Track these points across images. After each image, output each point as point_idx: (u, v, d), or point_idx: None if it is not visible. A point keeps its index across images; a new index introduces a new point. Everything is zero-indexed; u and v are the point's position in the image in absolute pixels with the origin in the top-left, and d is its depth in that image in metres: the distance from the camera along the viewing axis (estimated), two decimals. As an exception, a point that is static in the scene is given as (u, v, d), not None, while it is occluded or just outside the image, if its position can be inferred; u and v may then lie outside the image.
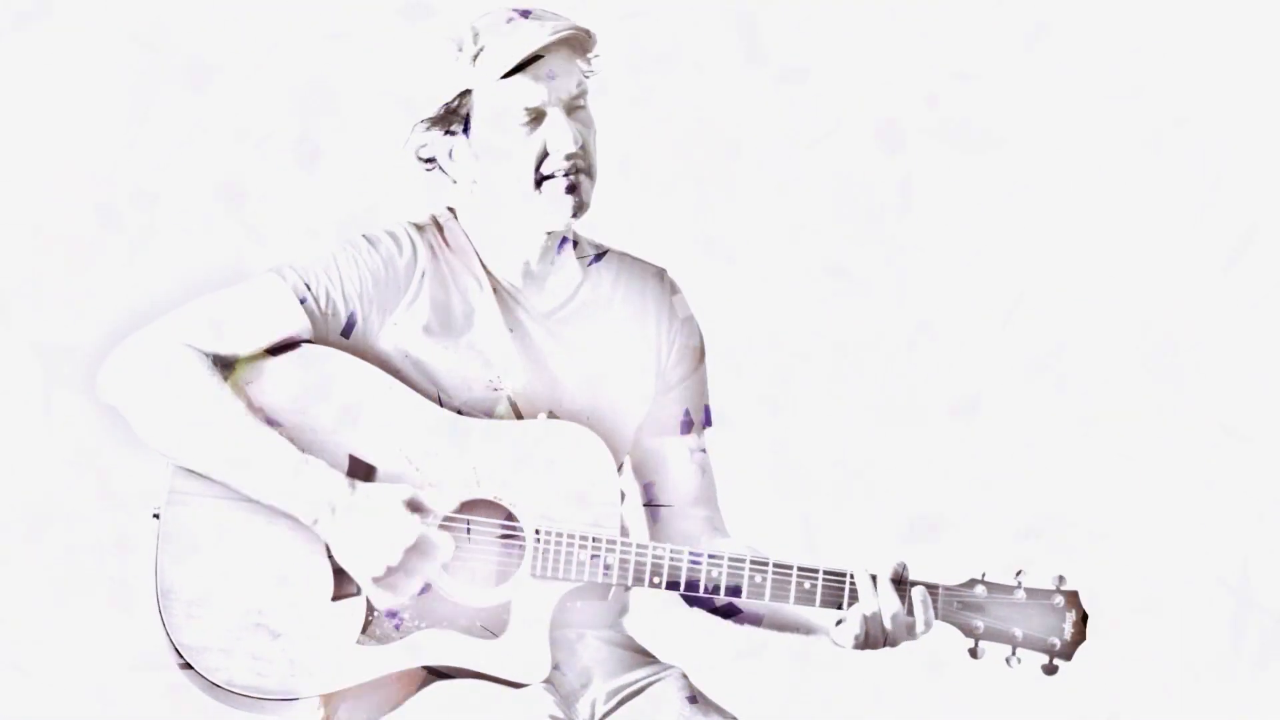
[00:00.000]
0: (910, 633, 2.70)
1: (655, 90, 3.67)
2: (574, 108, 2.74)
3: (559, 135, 2.72)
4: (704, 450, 2.91)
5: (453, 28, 2.77)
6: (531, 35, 2.71)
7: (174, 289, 2.78)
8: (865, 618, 2.68)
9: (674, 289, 2.92)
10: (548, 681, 2.72)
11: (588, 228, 2.88)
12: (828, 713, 3.78)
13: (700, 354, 2.93)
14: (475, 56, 2.72)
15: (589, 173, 2.75)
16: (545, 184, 2.74)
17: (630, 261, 2.91)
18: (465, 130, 2.76)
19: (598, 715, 2.78)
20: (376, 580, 2.63)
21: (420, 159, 2.81)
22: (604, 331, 2.85)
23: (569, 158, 2.72)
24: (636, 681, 2.82)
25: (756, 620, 2.85)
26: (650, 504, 2.91)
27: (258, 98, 3.79)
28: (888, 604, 2.69)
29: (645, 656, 2.87)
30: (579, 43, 2.74)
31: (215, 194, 3.76)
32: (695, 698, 2.80)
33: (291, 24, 3.81)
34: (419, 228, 2.81)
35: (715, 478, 2.93)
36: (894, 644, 2.71)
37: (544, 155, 2.73)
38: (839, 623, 2.73)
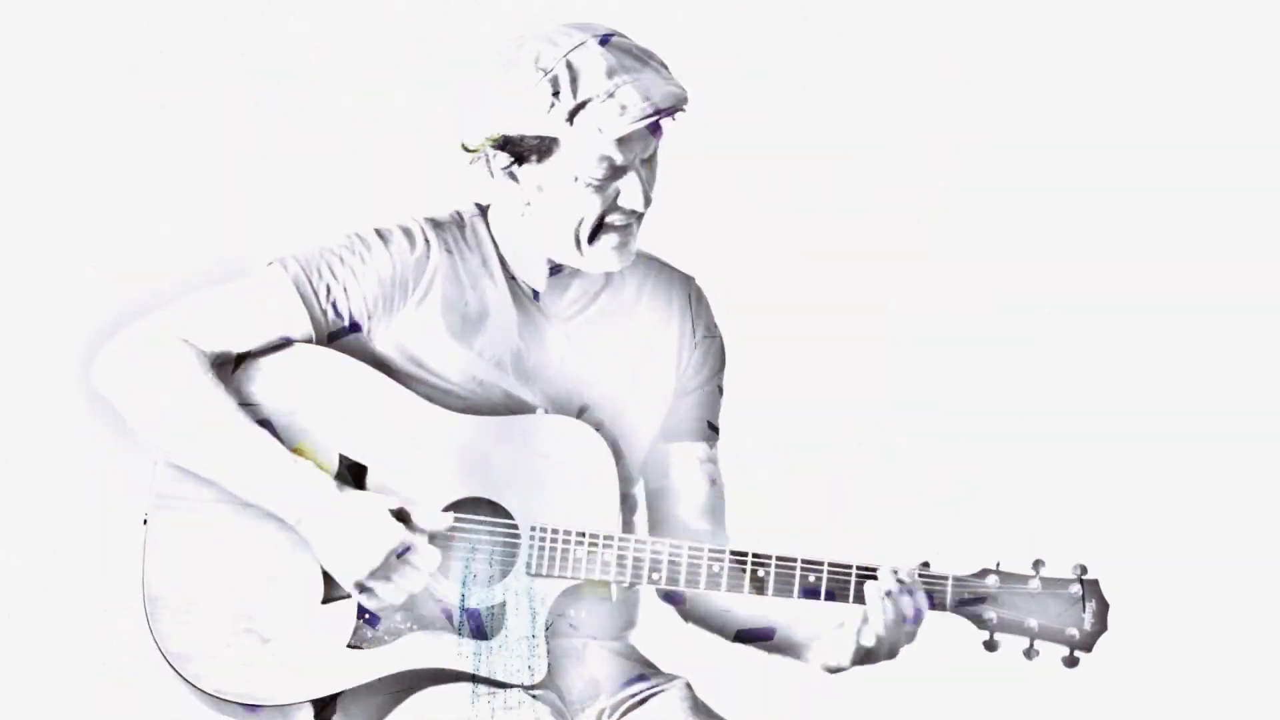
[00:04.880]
0: (917, 619, 2.62)
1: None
2: (648, 160, 2.68)
3: (633, 194, 2.66)
4: (714, 462, 2.84)
5: (535, 49, 2.64)
6: (635, 106, 2.60)
7: (175, 280, 2.76)
8: (883, 609, 2.61)
9: (700, 297, 2.86)
10: (550, 691, 2.68)
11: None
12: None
13: (720, 363, 2.86)
14: (572, 115, 2.61)
15: (641, 220, 2.71)
16: (601, 234, 2.67)
17: (659, 267, 2.84)
18: (538, 159, 2.67)
19: (602, 728, 2.76)
20: (359, 584, 2.60)
21: (466, 149, 2.70)
22: (624, 337, 2.79)
23: (634, 213, 2.67)
24: (641, 693, 2.76)
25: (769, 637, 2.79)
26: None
27: (268, 84, 3.78)
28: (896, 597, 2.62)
29: (651, 669, 2.82)
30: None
31: (222, 184, 3.75)
32: (699, 708, 2.74)
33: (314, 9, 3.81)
34: (437, 224, 2.75)
35: (725, 494, 2.85)
36: (902, 641, 2.63)
37: (612, 208, 2.66)
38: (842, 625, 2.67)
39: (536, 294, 2.74)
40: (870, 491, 3.86)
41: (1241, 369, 3.96)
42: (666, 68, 2.67)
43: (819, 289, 3.94)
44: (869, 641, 2.62)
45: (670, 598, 2.80)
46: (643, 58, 2.65)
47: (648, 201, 2.67)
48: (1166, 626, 3.88)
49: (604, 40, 2.65)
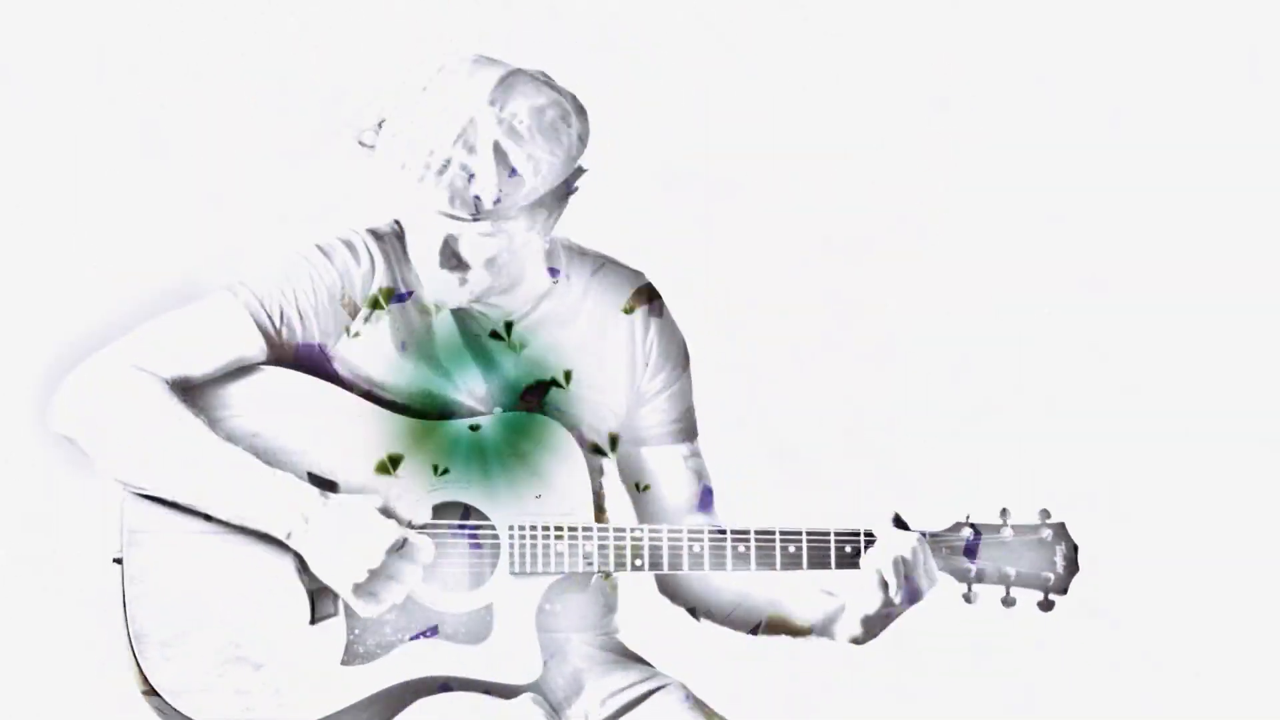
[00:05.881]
0: (930, 577, 2.63)
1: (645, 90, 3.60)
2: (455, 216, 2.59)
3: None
4: (698, 456, 2.83)
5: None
6: (411, 167, 2.56)
7: (123, 310, 2.73)
8: (886, 569, 2.61)
9: (652, 294, 2.81)
10: (537, 692, 2.67)
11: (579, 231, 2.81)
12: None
13: (683, 361, 2.82)
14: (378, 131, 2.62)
15: (463, 270, 2.62)
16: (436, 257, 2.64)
17: (608, 267, 2.80)
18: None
19: (592, 724, 2.75)
20: (358, 587, 2.57)
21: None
22: (570, 339, 2.75)
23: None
24: (631, 686, 2.76)
25: (755, 626, 2.79)
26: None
27: (268, 84, 3.78)
28: (902, 545, 2.62)
29: (635, 659, 2.81)
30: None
31: (222, 184, 3.75)
32: (699, 706, 2.74)
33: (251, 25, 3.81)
34: (377, 235, 2.71)
35: (714, 485, 2.85)
36: (915, 596, 2.63)
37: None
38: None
39: (470, 305, 2.70)
40: (870, 491, 3.85)
41: (1241, 369, 3.95)
42: (524, 163, 2.57)
43: (819, 289, 3.94)
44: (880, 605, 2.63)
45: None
46: (505, 140, 2.55)
47: (444, 258, 2.60)
48: (1167, 626, 3.87)
49: (501, 101, 2.57)
